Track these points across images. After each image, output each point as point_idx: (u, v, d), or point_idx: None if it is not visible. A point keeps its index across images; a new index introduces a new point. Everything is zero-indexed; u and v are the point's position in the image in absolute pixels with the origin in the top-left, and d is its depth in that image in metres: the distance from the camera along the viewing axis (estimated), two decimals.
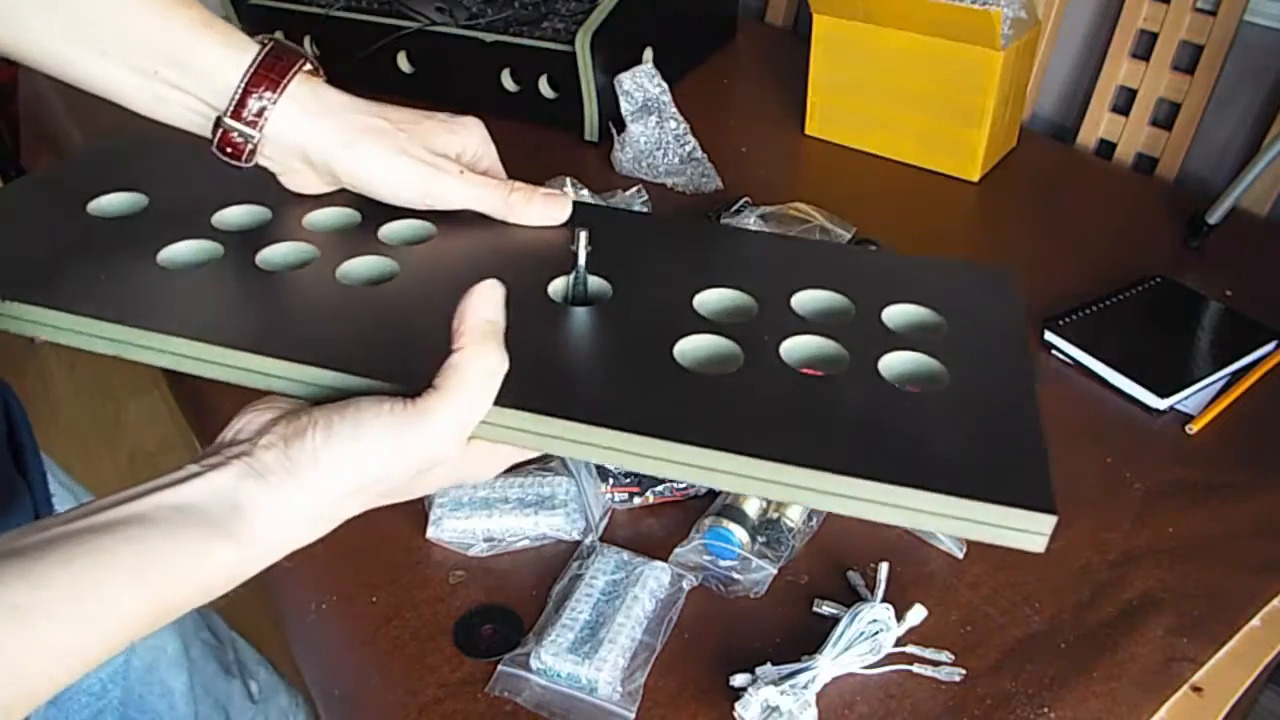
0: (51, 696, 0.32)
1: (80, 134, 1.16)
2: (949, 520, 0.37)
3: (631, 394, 0.41)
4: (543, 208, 0.52)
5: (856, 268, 0.52)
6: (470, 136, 0.53)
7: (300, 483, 0.37)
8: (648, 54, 1.16)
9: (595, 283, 0.49)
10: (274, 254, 0.50)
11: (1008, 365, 0.44)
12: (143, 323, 0.44)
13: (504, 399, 0.40)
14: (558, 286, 0.49)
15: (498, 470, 0.44)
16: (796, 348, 0.45)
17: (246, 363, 0.43)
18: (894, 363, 0.45)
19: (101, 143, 0.61)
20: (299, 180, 0.53)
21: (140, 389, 2.07)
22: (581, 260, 0.47)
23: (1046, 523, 0.37)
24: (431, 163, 0.50)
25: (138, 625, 0.34)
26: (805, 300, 0.49)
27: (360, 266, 0.50)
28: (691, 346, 0.45)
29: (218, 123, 0.48)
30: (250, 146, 0.49)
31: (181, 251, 0.50)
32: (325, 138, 0.49)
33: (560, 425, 0.40)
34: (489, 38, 1.11)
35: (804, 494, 0.38)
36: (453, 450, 0.39)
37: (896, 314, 0.48)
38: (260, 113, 0.48)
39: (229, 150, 0.49)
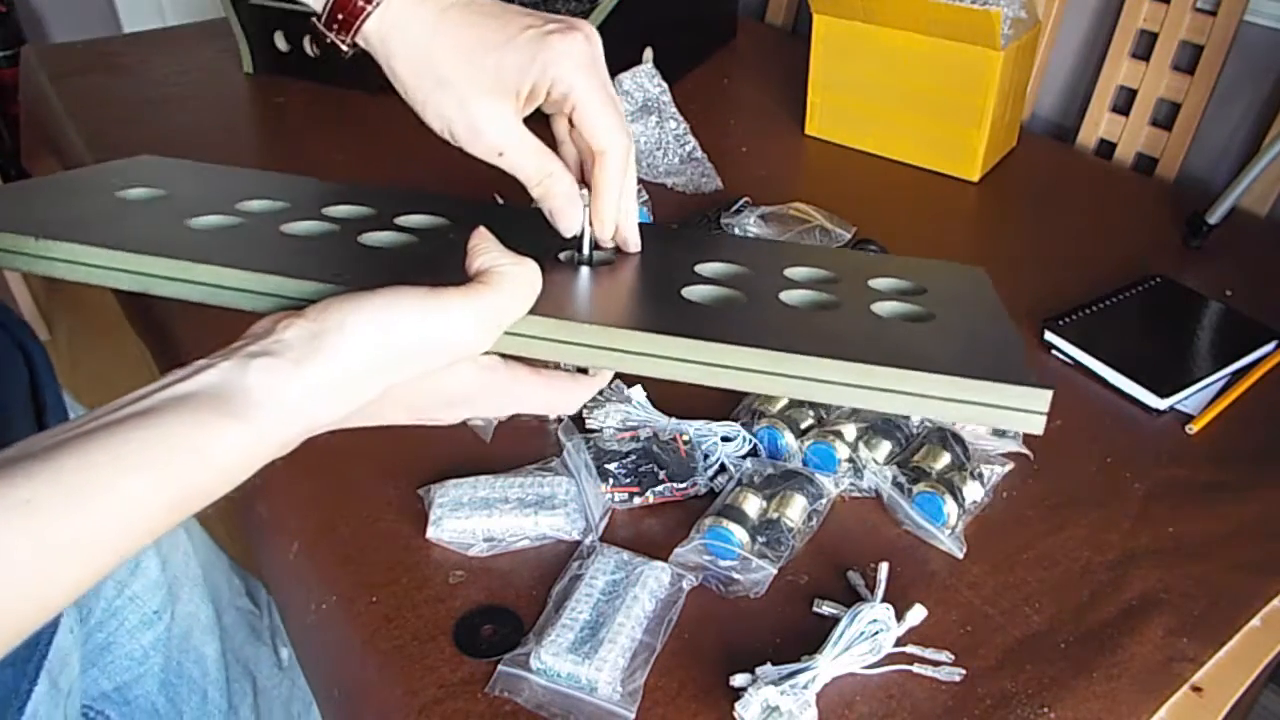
0: (68, 601, 0.32)
1: (81, 135, 1.16)
2: (952, 405, 0.39)
3: (649, 310, 0.44)
4: (563, 211, 0.48)
5: (843, 260, 0.55)
6: (551, 68, 0.45)
7: (321, 352, 0.37)
8: (648, 54, 1.16)
9: (602, 256, 0.51)
10: (296, 230, 0.52)
11: (987, 316, 0.48)
12: (172, 254, 0.45)
13: (532, 309, 0.41)
14: (565, 257, 0.51)
15: (519, 408, 0.44)
16: (793, 299, 0.48)
17: (269, 286, 0.43)
18: (882, 310, 0.47)
19: (122, 161, 0.63)
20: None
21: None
22: (586, 249, 0.49)
23: (1044, 398, 0.38)
24: (493, 113, 0.46)
25: (152, 515, 0.33)
26: (797, 273, 0.51)
27: (379, 238, 0.51)
28: (698, 294, 0.47)
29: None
30: (349, 40, 0.48)
31: (209, 220, 0.51)
32: (406, 61, 0.47)
33: (583, 330, 0.41)
34: None
35: (812, 386, 0.40)
36: (479, 344, 0.40)
37: (882, 285, 0.51)
38: (358, 14, 0.46)
39: (340, 20, 0.47)
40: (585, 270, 0.49)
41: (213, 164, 0.63)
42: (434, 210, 0.55)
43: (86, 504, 0.31)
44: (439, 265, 0.45)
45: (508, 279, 0.40)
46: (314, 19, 0.48)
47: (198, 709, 0.75)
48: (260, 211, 0.53)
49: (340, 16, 0.46)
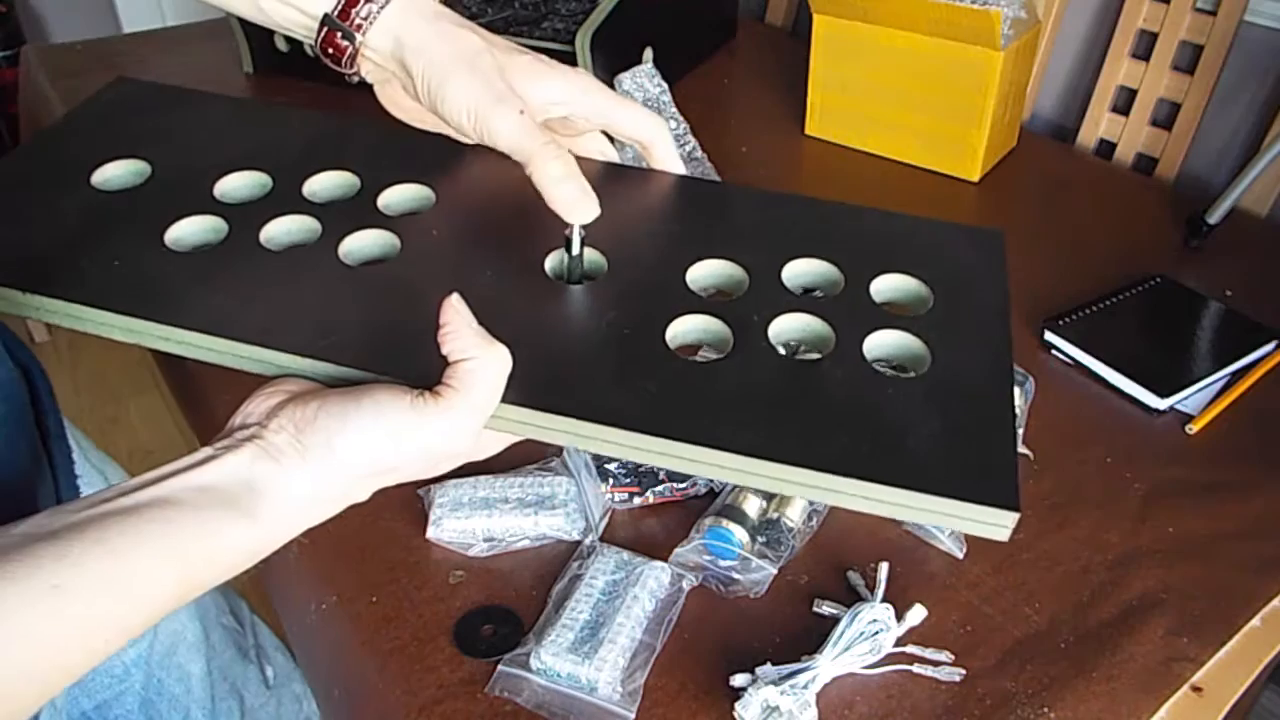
0: (87, 670, 0.34)
1: None
2: (921, 512, 0.40)
3: (623, 386, 0.43)
4: (567, 201, 0.47)
5: (849, 228, 0.53)
6: (560, 87, 0.50)
7: (312, 466, 0.38)
8: (648, 54, 1.16)
9: (591, 256, 0.49)
10: (277, 231, 0.51)
11: (988, 346, 0.46)
12: (158, 316, 0.45)
13: (507, 395, 0.41)
14: (554, 262, 0.49)
15: (501, 448, 0.46)
16: (784, 330, 0.47)
17: (257, 354, 0.44)
18: (879, 343, 0.46)
19: (101, 95, 0.61)
20: (393, 95, 0.53)
21: (140, 389, 2.07)
22: (576, 245, 0.48)
23: (1010, 518, 0.39)
24: (497, 91, 0.48)
25: (167, 601, 0.35)
26: (796, 272, 0.50)
27: (361, 245, 0.50)
28: (683, 329, 0.46)
29: (324, 21, 0.50)
30: (352, 49, 0.50)
31: (187, 231, 0.51)
32: (417, 39, 0.49)
33: (557, 420, 0.42)
34: None
35: (784, 485, 0.40)
36: (466, 445, 0.41)
37: (885, 287, 0.49)
38: (367, 16, 0.49)
39: (331, 52, 0.50)
40: (570, 295, 0.47)
41: (189, 94, 0.61)
42: (417, 172, 0.54)
43: (112, 590, 0.33)
44: (418, 297, 0.44)
45: (478, 378, 0.40)
46: (321, 34, 0.49)
47: None
48: (240, 200, 0.52)
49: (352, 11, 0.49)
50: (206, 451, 0.38)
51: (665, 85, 1.06)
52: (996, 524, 0.39)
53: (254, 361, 0.44)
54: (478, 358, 0.40)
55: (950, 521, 0.39)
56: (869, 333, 0.46)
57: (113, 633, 0.34)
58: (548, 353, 0.44)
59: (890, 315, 0.47)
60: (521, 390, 0.42)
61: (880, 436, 0.41)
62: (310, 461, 0.38)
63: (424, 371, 0.41)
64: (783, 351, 0.46)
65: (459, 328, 0.40)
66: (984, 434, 0.41)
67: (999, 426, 0.42)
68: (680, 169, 0.54)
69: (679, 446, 0.41)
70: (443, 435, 0.40)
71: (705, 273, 0.50)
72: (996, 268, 0.51)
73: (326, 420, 0.39)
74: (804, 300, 0.48)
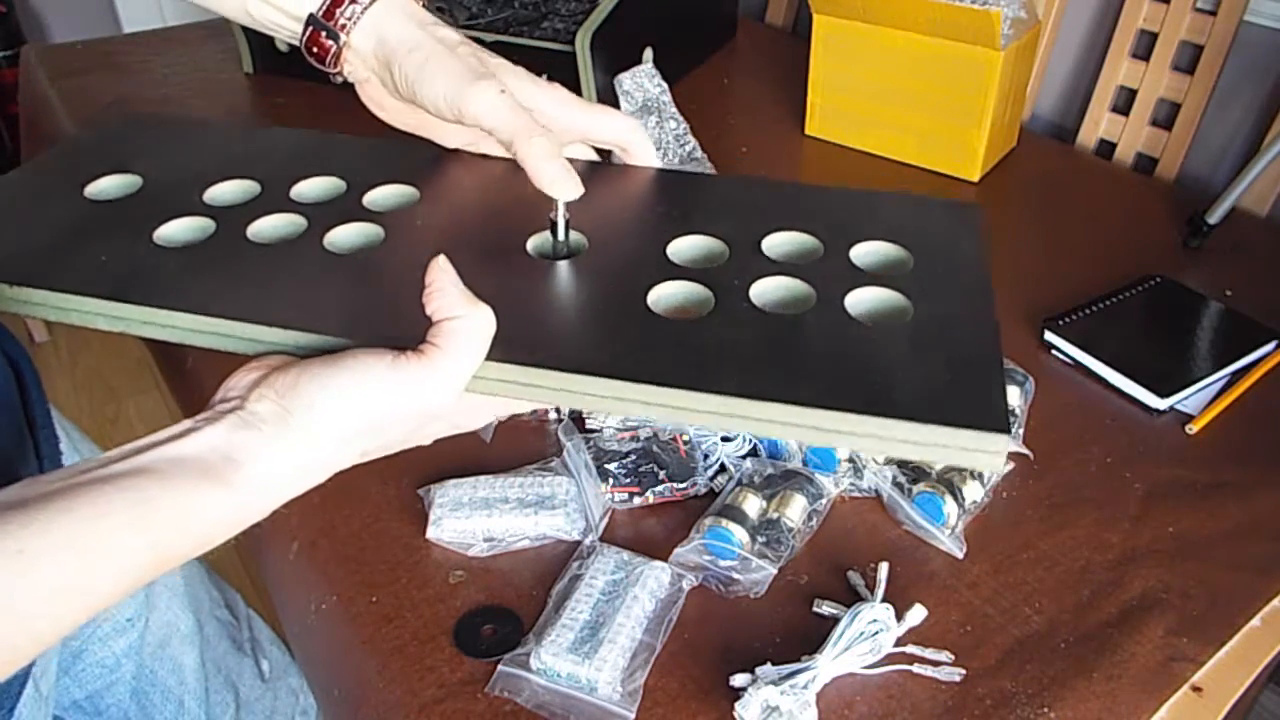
0: (59, 639, 0.34)
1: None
2: (910, 445, 0.39)
3: (607, 341, 0.43)
4: (551, 177, 0.47)
5: (827, 206, 0.53)
6: (536, 96, 0.51)
7: (294, 430, 0.38)
8: (648, 54, 1.16)
9: (574, 238, 0.50)
10: (264, 226, 0.51)
11: (970, 297, 0.46)
12: (142, 300, 0.45)
13: (491, 353, 0.41)
14: (536, 243, 0.50)
15: (490, 418, 0.46)
16: (766, 291, 0.47)
17: (242, 331, 0.44)
18: (860, 299, 0.46)
19: (96, 126, 0.62)
20: (374, 93, 0.54)
21: (140, 388, 2.07)
22: (561, 227, 0.49)
23: (1001, 442, 0.38)
24: (477, 71, 0.49)
25: (139, 571, 0.35)
26: (775, 243, 0.50)
27: (347, 234, 0.51)
28: (665, 294, 0.47)
29: (310, 21, 0.51)
30: (336, 48, 0.51)
31: (176, 229, 0.51)
32: (399, 36, 0.50)
33: (542, 375, 0.42)
34: (489, 38, 1.11)
35: (771, 426, 0.40)
36: (448, 403, 0.41)
37: (864, 252, 0.50)
38: (351, 16, 0.50)
39: (316, 51, 0.51)
40: (553, 268, 0.48)
41: (184, 121, 0.63)
42: (401, 175, 0.55)
43: (78, 557, 0.33)
44: (401, 277, 0.44)
45: (461, 337, 0.40)
46: (309, 24, 0.50)
47: (173, 718, 0.75)
48: (228, 204, 0.53)
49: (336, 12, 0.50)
50: (186, 424, 0.38)
51: (665, 85, 1.06)
52: (988, 450, 0.38)
53: (239, 340, 0.45)
54: (462, 316, 0.40)
55: (940, 453, 0.39)
56: (850, 290, 0.46)
57: (80, 601, 0.33)
58: (531, 318, 0.45)
59: (871, 274, 0.48)
60: (503, 349, 0.42)
61: (865, 373, 0.41)
62: (293, 427, 0.38)
63: (405, 338, 0.41)
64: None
65: (444, 286, 0.40)
66: (969, 365, 0.41)
67: (984, 358, 0.42)
68: (657, 165, 0.56)
69: (662, 392, 0.40)
70: (426, 393, 0.40)
71: (686, 246, 0.50)
72: (976, 238, 0.51)
73: (308, 384, 0.39)
74: (785, 265, 0.48)
